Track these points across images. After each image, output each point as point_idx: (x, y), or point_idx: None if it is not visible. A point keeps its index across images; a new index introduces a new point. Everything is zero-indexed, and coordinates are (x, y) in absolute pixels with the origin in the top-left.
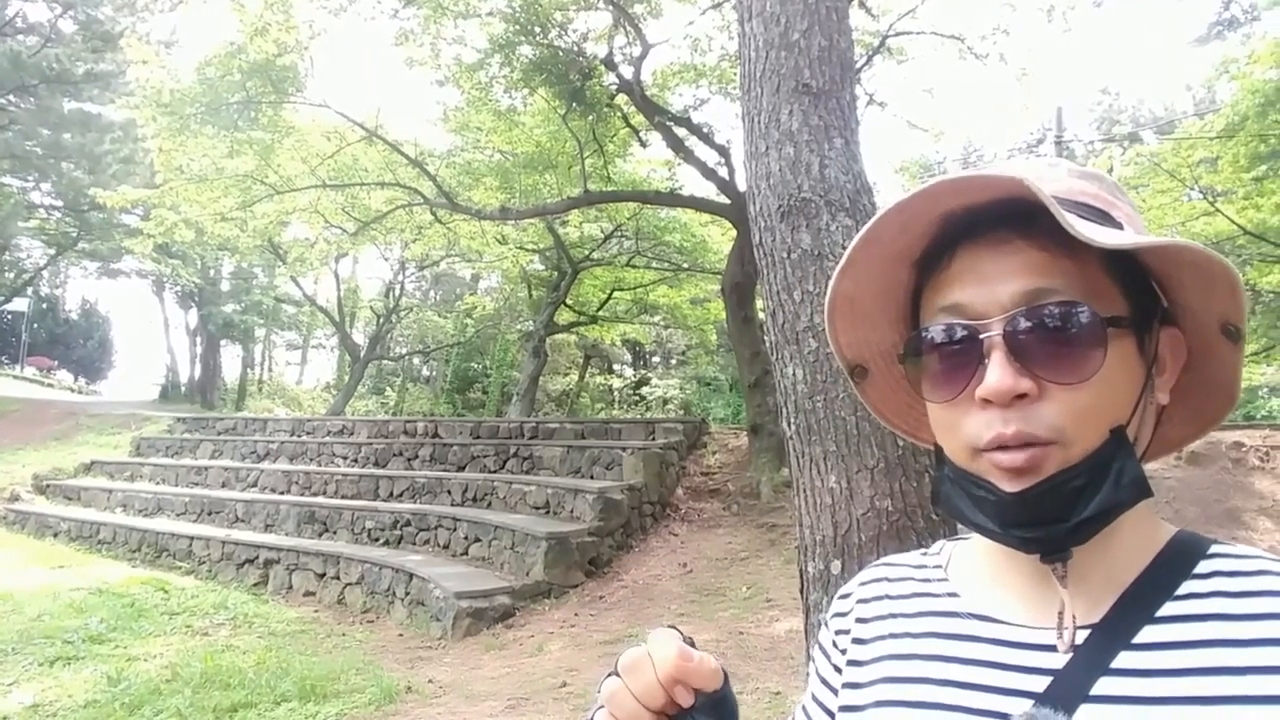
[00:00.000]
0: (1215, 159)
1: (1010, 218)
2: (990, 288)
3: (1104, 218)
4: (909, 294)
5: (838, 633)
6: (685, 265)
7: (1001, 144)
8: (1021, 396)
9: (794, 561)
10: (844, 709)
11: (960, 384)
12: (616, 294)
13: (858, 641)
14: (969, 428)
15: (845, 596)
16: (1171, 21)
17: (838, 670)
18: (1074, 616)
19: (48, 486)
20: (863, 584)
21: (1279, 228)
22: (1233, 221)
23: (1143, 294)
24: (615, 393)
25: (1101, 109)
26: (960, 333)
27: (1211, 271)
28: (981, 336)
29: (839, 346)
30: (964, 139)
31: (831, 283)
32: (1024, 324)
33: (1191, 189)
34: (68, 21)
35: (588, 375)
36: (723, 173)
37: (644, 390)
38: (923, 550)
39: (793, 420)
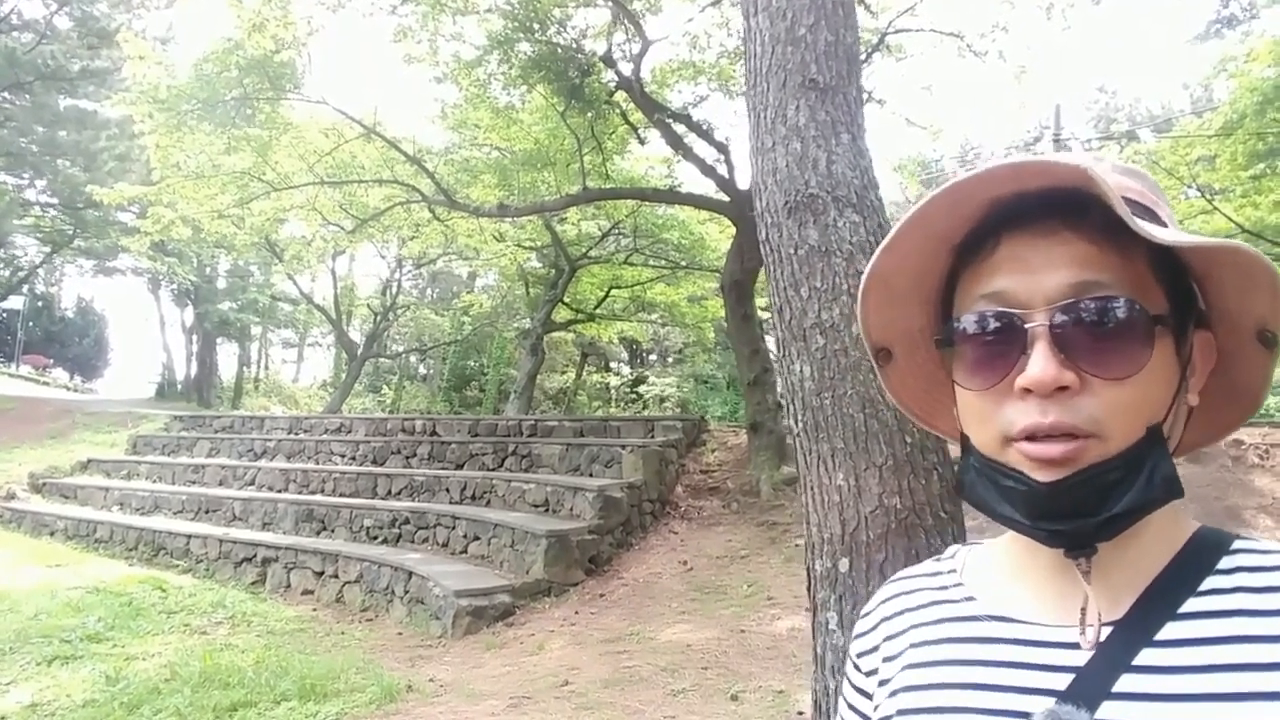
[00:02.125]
0: (1213, 157)
1: (1058, 208)
2: (1036, 277)
3: (1151, 216)
4: (943, 277)
5: (860, 654)
6: (683, 263)
7: (999, 142)
8: (1063, 389)
9: (794, 559)
10: None
11: (1000, 372)
12: (614, 292)
13: (887, 659)
14: (1004, 417)
15: (867, 615)
16: (1170, 19)
17: (867, 695)
18: (1099, 613)
19: (44, 485)
20: (883, 602)
21: (1277, 225)
22: (1230, 220)
23: (1182, 294)
24: (612, 391)
25: (1099, 107)
26: (1004, 321)
27: (1256, 274)
28: (1026, 326)
29: (868, 328)
30: (962, 137)
31: (872, 261)
32: (1071, 316)
33: (1189, 187)
34: (63, 18)
35: (585, 373)
36: (722, 170)
37: (641, 388)
38: (935, 558)
39: (800, 417)
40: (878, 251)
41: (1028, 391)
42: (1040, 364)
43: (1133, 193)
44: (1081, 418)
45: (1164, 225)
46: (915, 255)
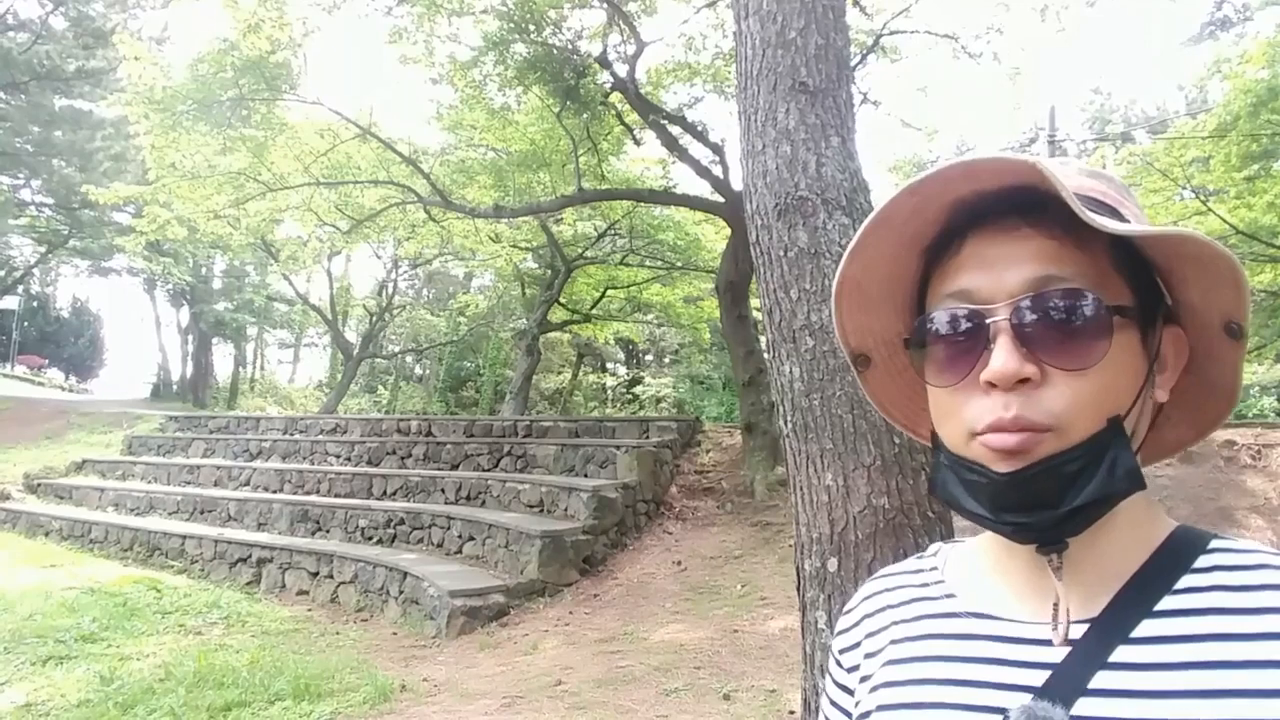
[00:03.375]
0: (1207, 158)
1: (1020, 205)
2: (998, 274)
3: (1112, 214)
4: (916, 282)
5: (842, 651)
6: (678, 264)
7: (994, 143)
8: (1025, 381)
9: (788, 560)
10: (858, 718)
11: (965, 368)
12: (610, 292)
13: (868, 656)
14: (969, 412)
15: (849, 612)
16: (1164, 21)
17: (848, 691)
18: (1068, 610)
19: (39, 485)
20: (865, 599)
21: (1271, 227)
22: (1225, 221)
23: (1148, 289)
24: (608, 391)
25: (1094, 108)
26: (967, 318)
27: (1216, 266)
28: (988, 321)
29: (844, 333)
30: (957, 138)
31: (840, 266)
32: (1031, 310)
33: (1184, 188)
34: (59, 18)
35: (581, 374)
36: (717, 171)
37: (637, 389)
38: (917, 555)
39: (789, 418)
40: (844, 257)
41: (992, 386)
42: (1002, 357)
43: (1095, 192)
44: (1041, 412)
45: (1127, 222)
46: (884, 260)
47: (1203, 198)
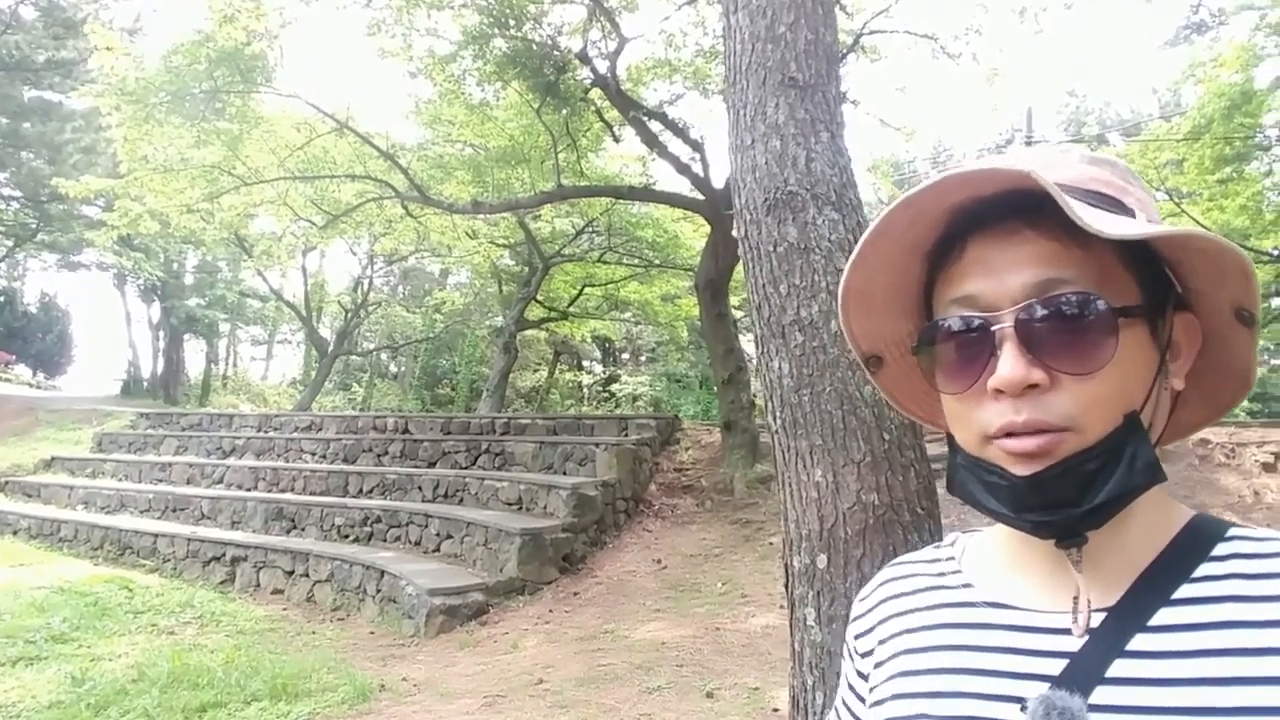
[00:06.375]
0: (1181, 161)
1: (1019, 207)
2: (1001, 279)
3: (1116, 205)
4: (921, 286)
5: (857, 636)
6: (657, 261)
7: (972, 143)
8: (1033, 387)
9: (768, 557)
10: (872, 705)
11: (973, 375)
12: (587, 290)
13: (882, 642)
14: (981, 417)
15: (864, 599)
16: (1140, 25)
17: (863, 677)
18: (1089, 600)
19: (6, 483)
20: (880, 585)
21: (1243, 229)
22: (1198, 223)
23: (1156, 280)
24: (585, 389)
25: (1069, 110)
26: (972, 324)
27: (1223, 258)
28: (993, 328)
29: (854, 337)
30: (935, 138)
31: (844, 276)
32: (1035, 315)
33: (1158, 190)
34: (28, 8)
35: (558, 372)
36: (696, 168)
37: (614, 387)
38: (935, 544)
39: (778, 414)
40: (846, 267)
41: (1001, 392)
42: (1009, 365)
43: (1098, 183)
44: (1055, 414)
45: (1131, 212)
46: (885, 269)
47: (1176, 200)
